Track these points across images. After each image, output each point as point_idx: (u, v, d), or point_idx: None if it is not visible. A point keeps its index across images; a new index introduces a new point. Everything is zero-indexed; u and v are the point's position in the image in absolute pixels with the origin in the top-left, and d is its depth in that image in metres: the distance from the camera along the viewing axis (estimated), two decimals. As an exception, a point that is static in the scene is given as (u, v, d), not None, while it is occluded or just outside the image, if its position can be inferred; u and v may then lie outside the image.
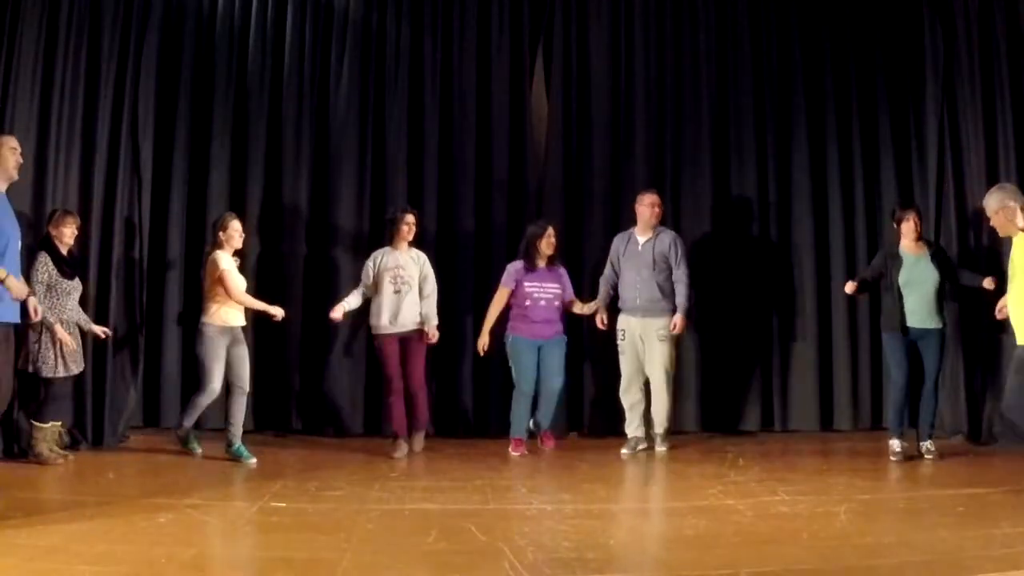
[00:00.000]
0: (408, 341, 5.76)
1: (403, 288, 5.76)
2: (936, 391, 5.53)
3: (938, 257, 5.56)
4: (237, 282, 5.46)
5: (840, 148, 6.80)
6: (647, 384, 5.82)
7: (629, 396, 5.83)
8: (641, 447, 5.79)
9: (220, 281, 5.39)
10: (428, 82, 6.71)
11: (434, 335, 5.82)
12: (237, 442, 5.38)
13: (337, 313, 5.76)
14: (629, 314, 5.81)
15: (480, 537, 3.58)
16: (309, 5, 6.70)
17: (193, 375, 6.29)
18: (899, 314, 5.46)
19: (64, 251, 5.28)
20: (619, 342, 5.85)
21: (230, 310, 5.46)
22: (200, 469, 5.21)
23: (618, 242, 5.97)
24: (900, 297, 5.48)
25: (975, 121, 6.13)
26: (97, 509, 3.96)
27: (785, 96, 6.83)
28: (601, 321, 5.92)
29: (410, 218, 5.87)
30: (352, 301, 5.83)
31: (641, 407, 5.82)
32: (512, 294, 5.90)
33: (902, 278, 5.49)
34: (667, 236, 5.87)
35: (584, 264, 6.58)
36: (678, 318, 5.72)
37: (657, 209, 5.86)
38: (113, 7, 5.99)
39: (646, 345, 5.75)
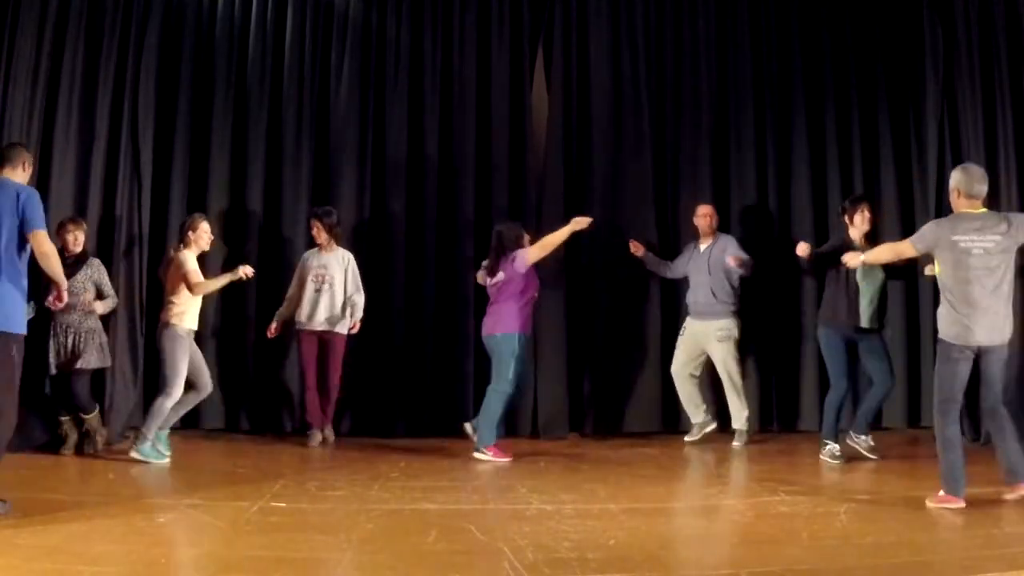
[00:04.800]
0: (326, 341, 5.93)
1: (323, 287, 5.94)
2: (886, 395, 5.44)
3: None
4: (199, 278, 5.39)
5: (840, 148, 6.80)
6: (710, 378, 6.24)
7: (682, 387, 6.15)
8: (709, 429, 6.08)
9: (184, 279, 5.33)
10: (428, 82, 6.71)
11: (355, 326, 6.07)
12: (161, 436, 5.29)
13: (272, 329, 6.08)
14: (692, 317, 6.19)
15: (480, 537, 3.58)
16: (309, 5, 6.71)
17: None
18: (853, 311, 5.29)
19: (66, 254, 5.27)
20: (680, 337, 6.23)
21: (195, 314, 5.43)
22: (200, 469, 5.21)
23: (685, 252, 6.35)
24: (856, 292, 5.31)
25: (975, 121, 6.13)
26: (97, 509, 3.96)
27: (785, 95, 6.83)
28: (635, 245, 6.37)
29: (314, 222, 6.04)
30: (283, 311, 6.12)
31: (699, 397, 6.11)
32: (525, 286, 5.64)
33: (859, 273, 5.31)
34: (723, 241, 6.15)
35: (583, 262, 6.58)
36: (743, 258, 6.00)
37: (708, 219, 6.21)
38: (113, 7, 5.99)
39: (708, 347, 6.08)
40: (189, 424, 6.33)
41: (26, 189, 4.14)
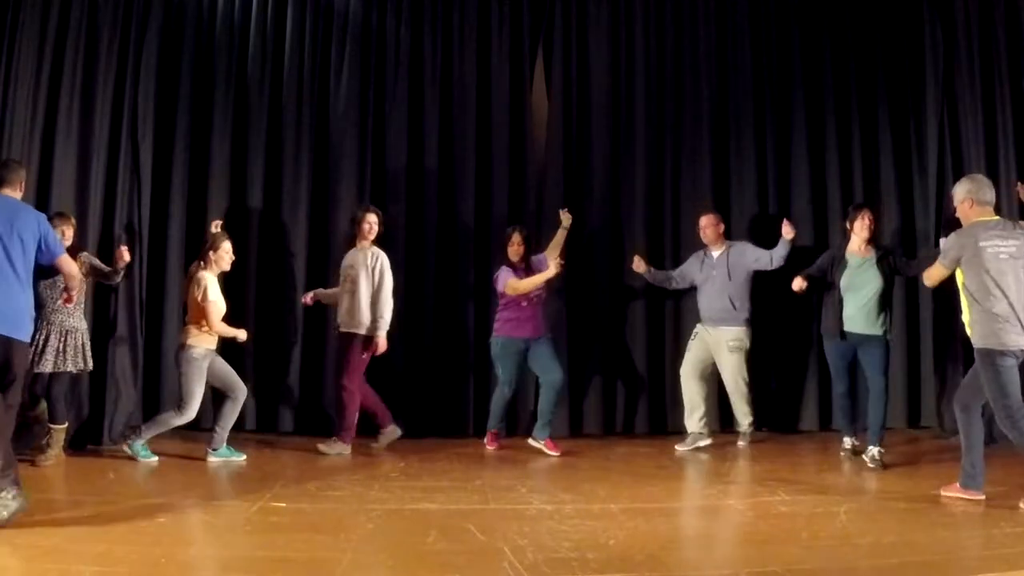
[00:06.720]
0: (340, 340, 5.78)
1: (347, 287, 5.78)
2: (884, 400, 5.38)
3: (884, 261, 5.44)
4: (219, 312, 5.36)
5: (840, 148, 6.80)
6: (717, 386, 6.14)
7: (688, 388, 6.00)
8: (702, 443, 5.89)
9: (203, 307, 5.31)
10: (428, 82, 6.71)
11: (379, 345, 5.71)
12: (222, 446, 5.38)
13: (306, 298, 6.09)
14: (704, 324, 6.05)
15: (480, 537, 3.58)
16: (309, 5, 6.71)
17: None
18: (837, 319, 5.42)
19: None
20: (691, 341, 6.10)
21: (212, 334, 5.38)
22: (200, 469, 5.20)
23: (694, 260, 6.22)
24: (840, 301, 5.43)
25: (975, 121, 6.14)
26: (97, 509, 3.96)
27: (785, 96, 6.83)
28: (638, 261, 6.28)
29: (371, 217, 5.85)
30: (327, 292, 6.12)
31: (702, 406, 5.95)
32: (501, 294, 5.87)
33: (843, 282, 5.43)
34: (740, 245, 6.10)
35: (583, 262, 6.58)
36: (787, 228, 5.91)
37: (709, 230, 6.10)
38: (113, 7, 5.99)
39: (718, 355, 5.97)
40: (188, 424, 6.34)
41: (43, 217, 4.24)
